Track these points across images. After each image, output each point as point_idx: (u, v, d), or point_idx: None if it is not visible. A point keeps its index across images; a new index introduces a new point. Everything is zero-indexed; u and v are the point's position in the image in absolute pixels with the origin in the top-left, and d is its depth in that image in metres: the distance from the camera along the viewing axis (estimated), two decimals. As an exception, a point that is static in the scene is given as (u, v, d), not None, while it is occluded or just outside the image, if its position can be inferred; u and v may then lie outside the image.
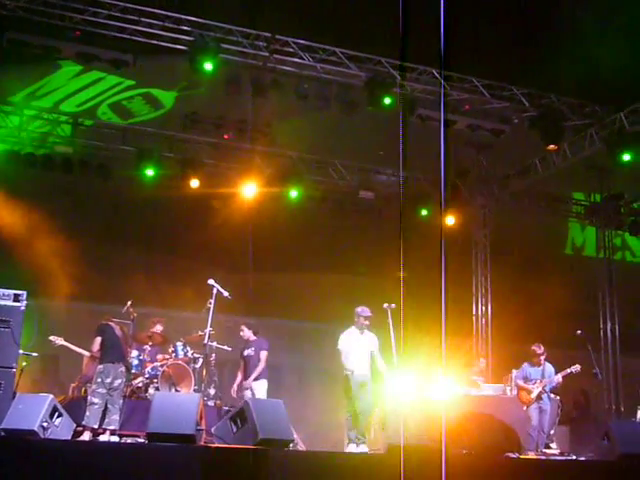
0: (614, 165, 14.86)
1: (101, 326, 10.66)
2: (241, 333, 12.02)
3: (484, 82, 13.83)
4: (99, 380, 10.22)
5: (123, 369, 10.45)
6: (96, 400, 10.11)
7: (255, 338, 11.97)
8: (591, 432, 12.59)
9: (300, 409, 13.28)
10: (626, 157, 13.81)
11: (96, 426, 10.03)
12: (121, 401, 10.36)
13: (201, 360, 12.16)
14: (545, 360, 12.23)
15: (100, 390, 10.16)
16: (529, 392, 11.99)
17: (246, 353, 11.84)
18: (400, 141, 5.89)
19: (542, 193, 17.67)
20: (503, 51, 13.86)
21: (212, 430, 8.90)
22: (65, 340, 11.99)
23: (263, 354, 11.72)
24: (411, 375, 12.24)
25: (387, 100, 13.01)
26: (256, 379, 11.60)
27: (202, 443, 8.62)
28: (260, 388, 11.59)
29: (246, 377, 11.76)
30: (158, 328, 12.48)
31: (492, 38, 13.82)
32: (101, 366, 10.33)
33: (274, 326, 15.31)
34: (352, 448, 10.02)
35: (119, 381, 10.33)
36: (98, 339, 10.52)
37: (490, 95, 13.93)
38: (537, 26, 13.94)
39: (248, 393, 11.56)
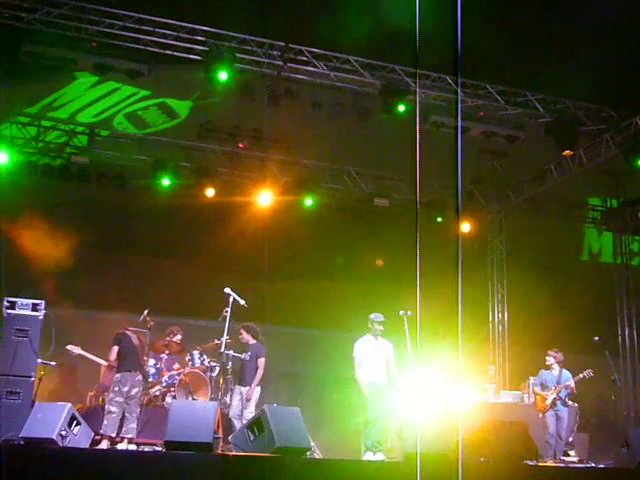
0: (630, 170, 14.77)
1: (118, 335, 10.70)
2: (239, 337, 11.76)
3: (498, 88, 13.82)
4: (116, 389, 10.27)
5: (140, 378, 10.49)
6: (113, 409, 10.16)
7: (254, 342, 11.70)
8: (610, 439, 12.51)
9: (317, 417, 13.27)
10: (642, 162, 13.75)
11: (114, 435, 10.08)
12: (138, 410, 10.41)
13: (218, 369, 12.18)
14: (562, 366, 12.15)
15: (117, 399, 10.21)
16: (544, 399, 11.93)
17: (242, 357, 11.61)
18: (417, 148, 5.90)
19: (558, 199, 17.60)
20: (517, 56, 13.83)
21: (229, 438, 8.91)
22: (82, 349, 12.04)
23: (261, 361, 11.46)
24: (428, 382, 12.22)
25: (401, 107, 13.03)
26: (249, 385, 11.39)
27: (219, 451, 8.64)
28: (253, 395, 11.38)
29: (240, 382, 11.56)
30: (178, 338, 12.51)
31: (505, 44, 13.80)
32: (118, 375, 10.38)
33: (291, 334, 15.33)
34: (369, 456, 10.00)
35: (136, 390, 10.37)
36: (115, 348, 10.56)
37: (504, 101, 13.92)
38: (550, 31, 13.90)
39: (238, 397, 11.38)
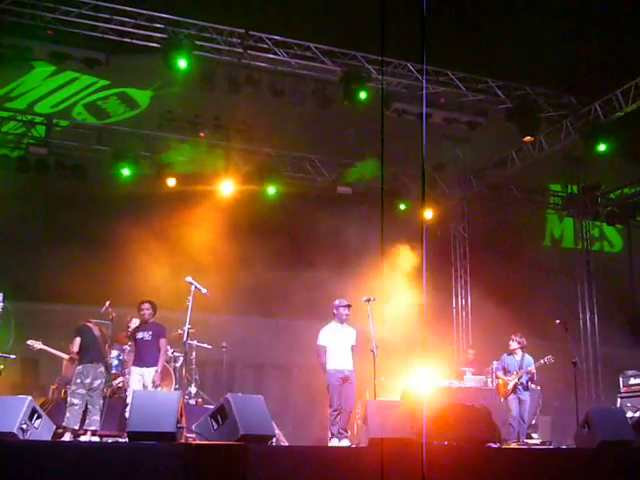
0: (590, 155, 14.95)
1: (79, 327, 10.61)
2: (142, 312, 10.70)
3: (459, 75, 13.88)
4: (78, 381, 10.17)
5: (102, 369, 10.41)
6: (76, 401, 10.06)
7: (153, 321, 10.81)
8: (572, 421, 12.67)
9: (283, 405, 13.27)
10: (601, 147, 13.91)
11: (76, 427, 9.99)
12: (101, 401, 10.31)
13: (181, 359, 12.11)
14: (525, 351, 12.26)
15: (80, 391, 10.12)
16: (506, 384, 12.04)
17: (141, 336, 10.64)
18: (380, 135, 5.88)
19: (519, 185, 17.78)
20: (476, 43, 13.91)
21: (193, 427, 8.85)
22: (44, 342, 11.87)
23: (163, 342, 10.65)
24: (393, 367, 12.29)
25: (362, 94, 13.03)
26: (148, 366, 10.44)
27: (183, 441, 8.58)
28: (150, 375, 10.41)
29: (140, 362, 10.51)
30: (135, 322, 12.36)
31: (465, 30, 13.86)
32: (80, 367, 10.28)
33: (255, 323, 15.29)
34: (335, 442, 10.02)
35: (99, 381, 10.28)
36: (77, 340, 10.45)
37: (465, 88, 13.99)
38: (510, 17, 13.98)
39: (137, 378, 10.37)
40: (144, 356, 10.49)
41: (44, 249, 14.15)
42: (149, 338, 10.55)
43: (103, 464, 7.38)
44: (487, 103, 14.33)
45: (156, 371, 10.42)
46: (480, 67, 13.99)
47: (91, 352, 10.41)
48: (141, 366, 10.43)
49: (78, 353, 10.46)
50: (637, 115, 13.69)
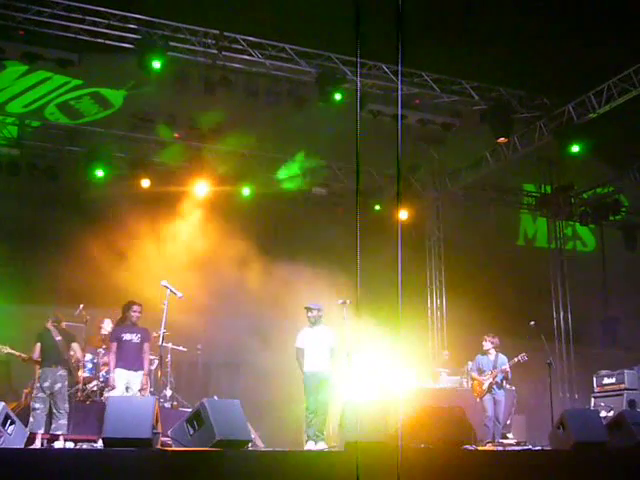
0: (563, 156, 15.06)
1: (40, 332, 10.48)
2: (135, 312, 10.56)
3: (434, 76, 13.93)
4: (37, 385, 10.09)
5: (62, 372, 10.22)
6: (37, 405, 9.94)
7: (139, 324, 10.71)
8: (547, 421, 12.78)
9: (259, 406, 13.21)
10: (575, 148, 14.05)
11: (41, 431, 9.83)
12: (66, 405, 10.15)
13: (156, 362, 12.01)
14: (499, 350, 12.32)
15: (40, 395, 10.00)
16: (481, 384, 12.08)
17: (128, 337, 10.41)
18: (356, 137, 5.87)
19: (494, 185, 17.86)
20: (450, 45, 13.95)
21: (169, 432, 8.79)
22: (13, 345, 11.69)
23: (148, 346, 10.56)
24: (368, 369, 12.29)
25: (337, 96, 13.04)
26: (137, 370, 10.35)
27: (158, 446, 8.52)
28: (138, 380, 10.35)
29: (126, 365, 10.31)
30: (107, 323, 12.26)
31: (439, 32, 13.90)
32: (39, 370, 10.19)
33: (230, 324, 15.20)
34: (311, 445, 10.02)
35: (59, 385, 10.12)
36: (37, 345, 10.35)
37: (440, 89, 14.05)
38: (484, 19, 14.05)
39: (124, 382, 10.21)
40: (132, 359, 10.38)
41: (15, 251, 13.98)
42: (137, 341, 10.46)
43: (78, 471, 7.32)
44: (461, 104, 14.40)
45: (144, 375, 10.40)
46: (454, 69, 14.05)
47: (51, 356, 10.26)
48: (129, 369, 10.31)
49: (39, 357, 10.37)
50: (610, 117, 13.83)
